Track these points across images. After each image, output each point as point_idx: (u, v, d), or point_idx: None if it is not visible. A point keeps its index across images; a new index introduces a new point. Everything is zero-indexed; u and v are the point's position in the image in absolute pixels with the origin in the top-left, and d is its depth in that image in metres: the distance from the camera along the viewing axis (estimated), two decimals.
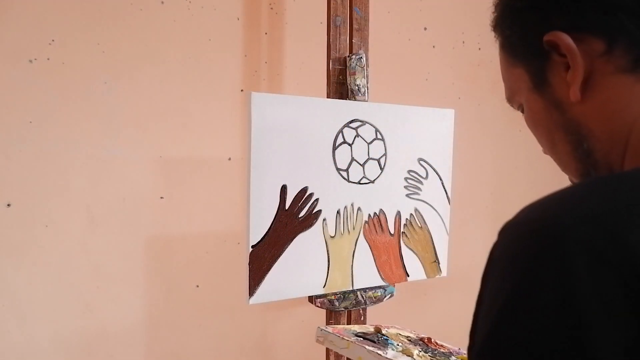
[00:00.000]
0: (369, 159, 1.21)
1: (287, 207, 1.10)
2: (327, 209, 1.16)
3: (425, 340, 1.04)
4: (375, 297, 1.27)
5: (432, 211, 1.31)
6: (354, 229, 1.20)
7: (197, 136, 1.33)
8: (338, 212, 1.18)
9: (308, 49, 1.43)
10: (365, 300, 1.25)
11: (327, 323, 1.24)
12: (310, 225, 1.14)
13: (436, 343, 1.03)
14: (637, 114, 0.46)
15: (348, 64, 1.21)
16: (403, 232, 1.27)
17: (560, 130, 0.51)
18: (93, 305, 1.25)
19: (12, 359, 1.18)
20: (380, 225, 1.24)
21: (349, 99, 1.21)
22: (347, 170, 1.18)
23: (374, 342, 0.95)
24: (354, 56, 1.22)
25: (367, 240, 1.22)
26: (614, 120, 0.47)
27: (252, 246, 1.07)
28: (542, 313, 0.34)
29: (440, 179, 1.32)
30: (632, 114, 0.46)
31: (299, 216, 1.13)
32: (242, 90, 1.38)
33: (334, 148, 1.16)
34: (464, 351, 0.96)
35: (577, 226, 0.34)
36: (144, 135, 1.27)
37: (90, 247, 1.23)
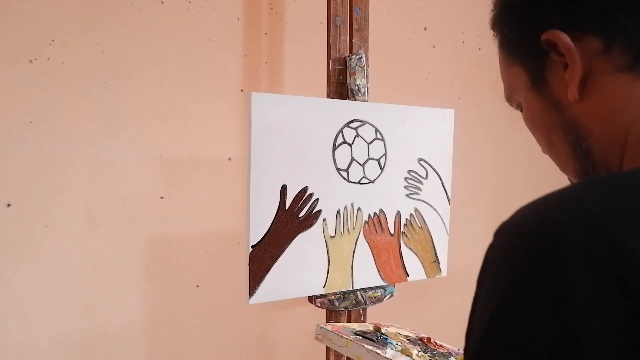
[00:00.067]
0: (369, 159, 1.21)
1: (287, 207, 1.10)
2: (327, 209, 1.16)
3: (425, 340, 1.04)
4: (375, 297, 1.27)
5: (432, 211, 1.31)
6: (354, 229, 1.20)
7: (197, 136, 1.33)
8: (338, 212, 1.18)
9: (308, 49, 1.43)
10: (365, 300, 1.25)
11: (327, 323, 1.24)
12: (310, 225, 1.14)
13: (435, 343, 1.03)
14: (636, 113, 0.45)
15: (348, 64, 1.21)
16: (403, 232, 1.27)
17: (558, 130, 0.50)
18: (93, 305, 1.25)
19: (12, 359, 1.18)
20: (380, 225, 1.24)
21: (349, 99, 1.21)
22: (347, 170, 1.18)
23: (373, 341, 0.95)
24: (354, 56, 1.22)
25: (367, 240, 1.22)
26: (612, 120, 0.46)
27: (252, 246, 1.07)
28: (536, 315, 0.34)
29: (440, 179, 1.32)
30: (630, 114, 0.45)
31: (299, 216, 1.13)
32: (242, 90, 1.38)
33: (334, 148, 1.16)
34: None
35: (572, 227, 0.34)
36: (144, 135, 1.27)
37: (90, 247, 1.23)
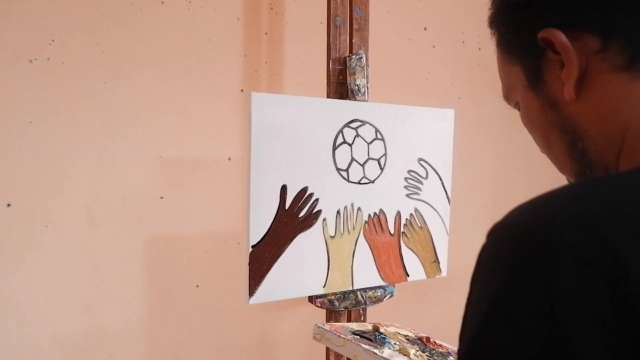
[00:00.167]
0: (369, 159, 1.21)
1: (287, 207, 1.10)
2: (327, 209, 1.16)
3: (424, 339, 1.04)
4: (375, 297, 1.27)
5: (432, 211, 1.31)
6: (354, 229, 1.20)
7: (197, 136, 1.33)
8: (338, 212, 1.18)
9: (308, 49, 1.43)
10: (365, 300, 1.25)
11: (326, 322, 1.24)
12: (310, 225, 1.14)
13: (435, 343, 1.03)
14: (633, 113, 0.45)
15: (348, 64, 1.21)
16: (403, 232, 1.27)
17: (555, 130, 0.50)
18: (93, 305, 1.25)
19: (12, 359, 1.18)
20: (380, 225, 1.24)
21: (349, 99, 1.21)
22: (347, 170, 1.18)
23: (371, 340, 0.95)
24: (354, 56, 1.22)
25: (367, 240, 1.22)
26: (609, 120, 0.46)
27: (252, 246, 1.07)
28: (526, 316, 0.33)
29: (440, 179, 1.32)
30: (627, 114, 0.45)
31: (299, 216, 1.13)
32: (242, 90, 1.38)
33: (334, 148, 1.16)
34: None
35: (565, 229, 0.34)
36: (144, 135, 1.27)
37: (90, 247, 1.23)
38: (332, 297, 1.21)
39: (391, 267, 1.26)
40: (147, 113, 1.27)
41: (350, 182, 1.19)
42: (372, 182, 1.22)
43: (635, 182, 0.38)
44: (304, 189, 1.13)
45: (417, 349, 0.97)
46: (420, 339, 1.05)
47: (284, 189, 1.10)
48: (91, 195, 1.23)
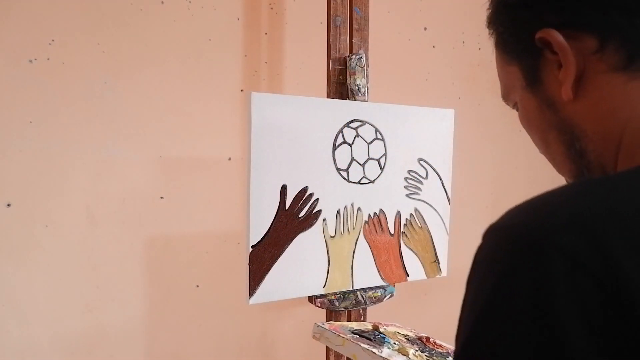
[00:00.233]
0: (369, 159, 1.21)
1: (287, 207, 1.10)
2: (327, 209, 1.16)
3: (424, 339, 1.04)
4: (375, 297, 1.27)
5: (432, 211, 1.31)
6: (354, 229, 1.20)
7: (197, 136, 1.33)
8: (338, 212, 1.18)
9: (308, 49, 1.43)
10: (365, 300, 1.25)
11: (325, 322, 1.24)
12: (310, 225, 1.14)
13: (435, 343, 1.03)
14: (630, 113, 0.45)
15: (348, 64, 1.21)
16: (403, 232, 1.27)
17: (553, 130, 0.50)
18: (93, 305, 1.25)
19: (12, 359, 1.18)
20: (380, 225, 1.24)
21: (349, 99, 1.21)
22: (347, 170, 1.18)
23: (371, 340, 0.95)
24: (354, 56, 1.22)
25: (367, 240, 1.22)
26: (607, 120, 0.46)
27: (252, 246, 1.07)
28: (519, 318, 0.33)
29: (440, 179, 1.32)
30: (625, 114, 0.45)
31: (299, 216, 1.13)
32: (242, 90, 1.38)
33: (334, 148, 1.16)
34: None
35: (558, 231, 0.34)
36: (144, 135, 1.27)
37: (90, 247, 1.23)
38: (332, 297, 1.21)
39: (391, 267, 1.26)
40: (147, 113, 1.27)
41: (350, 182, 1.19)
42: (372, 182, 1.22)
43: (632, 183, 0.38)
44: (304, 189, 1.13)
45: (417, 349, 0.97)
46: (420, 338, 1.05)
47: (284, 189, 1.10)
48: (91, 195, 1.23)
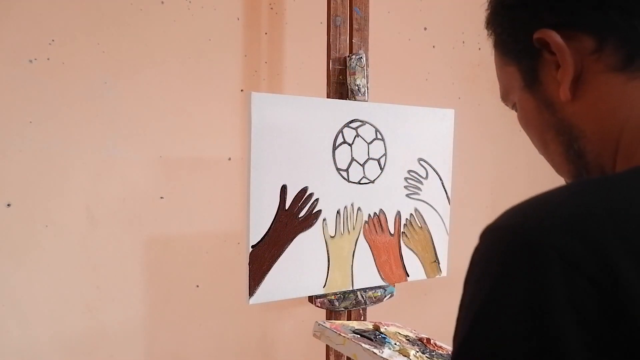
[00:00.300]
0: (369, 159, 1.21)
1: (287, 207, 1.10)
2: (327, 209, 1.16)
3: (425, 340, 1.04)
4: (375, 297, 1.27)
5: (432, 211, 1.31)
6: (354, 229, 1.20)
7: (197, 136, 1.33)
8: (338, 212, 1.18)
9: (308, 49, 1.43)
10: (365, 300, 1.25)
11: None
12: (310, 225, 1.14)
13: (435, 344, 1.03)
14: (629, 113, 0.45)
15: (348, 64, 1.21)
16: (403, 232, 1.27)
17: (551, 131, 0.50)
18: (93, 305, 1.25)
19: (12, 359, 1.18)
20: (380, 225, 1.24)
21: (349, 99, 1.21)
22: (347, 170, 1.18)
23: (371, 339, 0.95)
24: (354, 56, 1.22)
25: (367, 240, 1.22)
26: (605, 121, 0.46)
27: (252, 246, 1.07)
28: (515, 318, 0.34)
29: (440, 179, 1.32)
30: (623, 114, 0.45)
31: (299, 216, 1.13)
32: (242, 90, 1.38)
33: (334, 148, 1.16)
34: None
35: (554, 232, 0.34)
36: (144, 135, 1.27)
37: (90, 247, 1.23)
38: (332, 297, 1.21)
39: (391, 267, 1.26)
40: (147, 113, 1.27)
41: (350, 182, 1.19)
42: (372, 182, 1.22)
43: (630, 184, 0.38)
44: (304, 189, 1.13)
45: (417, 350, 0.97)
46: (420, 339, 1.05)
47: (284, 189, 1.10)
48: (91, 195, 1.23)
